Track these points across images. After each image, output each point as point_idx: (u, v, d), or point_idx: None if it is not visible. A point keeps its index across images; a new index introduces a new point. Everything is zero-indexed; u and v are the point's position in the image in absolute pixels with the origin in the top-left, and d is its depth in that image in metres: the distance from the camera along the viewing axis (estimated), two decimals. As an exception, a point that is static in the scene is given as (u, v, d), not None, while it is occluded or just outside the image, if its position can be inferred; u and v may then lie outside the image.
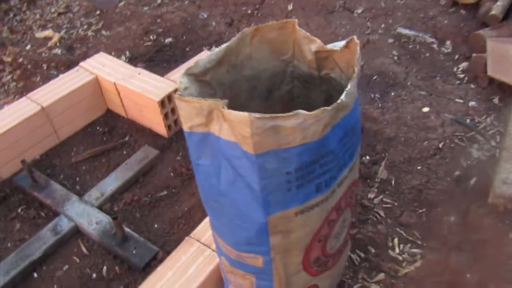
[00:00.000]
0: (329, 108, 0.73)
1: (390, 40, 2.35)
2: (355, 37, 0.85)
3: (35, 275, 1.48)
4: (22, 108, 1.81)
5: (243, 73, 0.95)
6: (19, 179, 1.76)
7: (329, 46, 0.89)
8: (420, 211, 1.54)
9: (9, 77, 2.40)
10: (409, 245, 1.46)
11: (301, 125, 0.70)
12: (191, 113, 0.76)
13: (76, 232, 1.60)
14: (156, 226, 1.61)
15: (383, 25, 2.46)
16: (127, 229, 1.53)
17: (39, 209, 1.69)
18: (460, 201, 1.54)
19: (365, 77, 2.14)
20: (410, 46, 2.30)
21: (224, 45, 0.89)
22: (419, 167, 1.69)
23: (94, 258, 1.52)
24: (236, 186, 0.78)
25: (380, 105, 2.00)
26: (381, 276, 1.38)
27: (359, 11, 2.59)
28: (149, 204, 1.69)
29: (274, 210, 0.79)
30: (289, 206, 0.79)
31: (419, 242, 1.46)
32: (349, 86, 0.77)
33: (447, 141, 1.78)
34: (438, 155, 1.73)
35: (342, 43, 0.87)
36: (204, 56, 0.87)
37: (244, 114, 0.68)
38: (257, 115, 0.68)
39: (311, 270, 0.98)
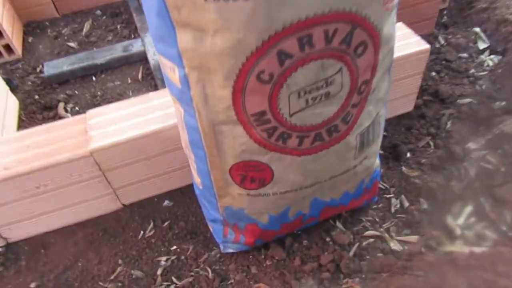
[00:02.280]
0: None
1: None
2: None
3: (94, 78, 1.54)
4: None
5: None
6: (130, 0, 1.81)
7: None
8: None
9: None
10: (483, 223, 0.94)
11: None
12: None
13: (143, 59, 1.57)
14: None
15: None
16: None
17: (133, 32, 1.72)
18: None
19: None
20: None
21: None
22: None
23: (142, 85, 1.48)
24: None
25: None
26: (413, 238, 0.94)
27: None
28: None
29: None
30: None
31: (500, 227, 0.92)
32: None
33: None
34: None
35: None
36: None
37: None
38: None
39: (254, 133, 0.66)
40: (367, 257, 0.93)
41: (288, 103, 0.62)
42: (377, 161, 0.91)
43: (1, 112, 1.28)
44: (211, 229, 0.99)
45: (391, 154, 1.14)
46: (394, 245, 0.94)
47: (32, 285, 0.98)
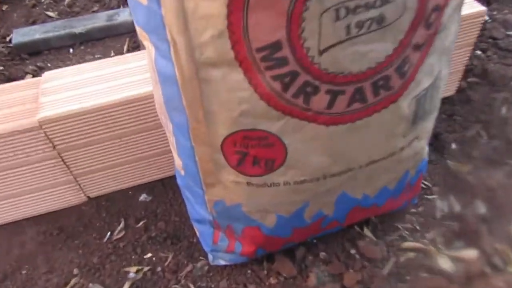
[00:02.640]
0: None
1: None
2: None
3: (71, 50, 1.30)
4: None
5: None
6: (120, -33, 1.59)
7: None
8: None
9: None
10: None
11: None
12: None
13: (130, 31, 1.34)
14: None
15: None
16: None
17: (123, 2, 1.49)
18: None
19: None
20: None
21: None
22: None
23: (127, 58, 1.25)
24: None
25: None
26: (470, 253, 0.69)
27: None
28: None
29: None
30: None
31: None
32: None
33: None
34: None
35: None
36: None
37: None
38: None
39: (262, 85, 0.43)
40: (407, 277, 0.69)
41: (318, 29, 0.38)
42: (427, 147, 0.66)
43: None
44: (197, 233, 0.74)
45: (432, 145, 0.90)
46: (444, 263, 0.69)
47: (-44, 299, 0.74)
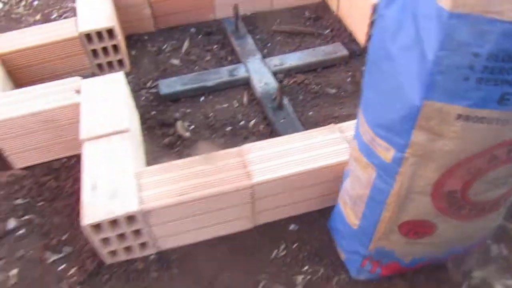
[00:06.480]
0: None
1: None
2: None
3: (202, 98, 1.69)
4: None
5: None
6: (226, 22, 1.97)
7: None
8: None
9: None
10: None
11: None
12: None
13: (246, 83, 1.73)
14: (311, 113, 1.62)
15: None
16: (286, 102, 1.59)
17: (229, 53, 1.87)
18: None
19: None
20: None
21: None
22: None
23: (249, 110, 1.64)
24: (409, 51, 0.68)
25: None
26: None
27: None
28: (314, 93, 1.70)
29: (435, 96, 0.67)
30: (455, 101, 0.67)
31: None
32: None
33: None
34: None
35: None
36: None
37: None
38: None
39: (438, 203, 0.85)
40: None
41: (478, 187, 0.81)
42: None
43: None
44: (342, 257, 1.18)
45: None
46: None
47: (190, 291, 1.16)
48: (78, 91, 1.38)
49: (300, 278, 1.18)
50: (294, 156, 1.17)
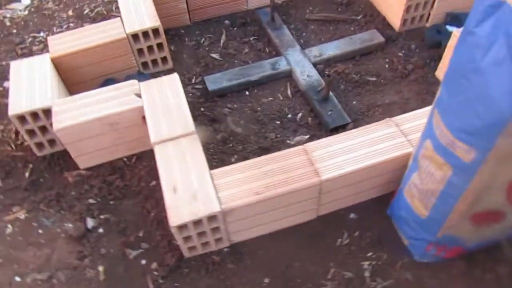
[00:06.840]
0: None
1: None
2: None
3: (247, 92, 1.75)
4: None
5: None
6: (261, 13, 1.99)
7: None
8: None
9: None
10: None
11: None
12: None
13: (288, 76, 1.78)
14: (354, 103, 1.68)
15: None
16: (331, 93, 1.65)
17: (266, 45, 1.91)
18: None
19: None
20: None
21: None
22: None
23: (294, 102, 1.70)
24: (500, 68, 0.74)
25: None
26: None
27: None
28: (355, 82, 1.75)
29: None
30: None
31: None
32: None
33: None
34: None
35: None
36: None
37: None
38: None
39: (510, 192, 0.93)
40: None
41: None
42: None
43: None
44: (404, 242, 1.27)
45: None
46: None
47: (266, 280, 1.26)
48: (138, 95, 1.44)
49: (366, 264, 1.27)
50: (356, 152, 1.24)
